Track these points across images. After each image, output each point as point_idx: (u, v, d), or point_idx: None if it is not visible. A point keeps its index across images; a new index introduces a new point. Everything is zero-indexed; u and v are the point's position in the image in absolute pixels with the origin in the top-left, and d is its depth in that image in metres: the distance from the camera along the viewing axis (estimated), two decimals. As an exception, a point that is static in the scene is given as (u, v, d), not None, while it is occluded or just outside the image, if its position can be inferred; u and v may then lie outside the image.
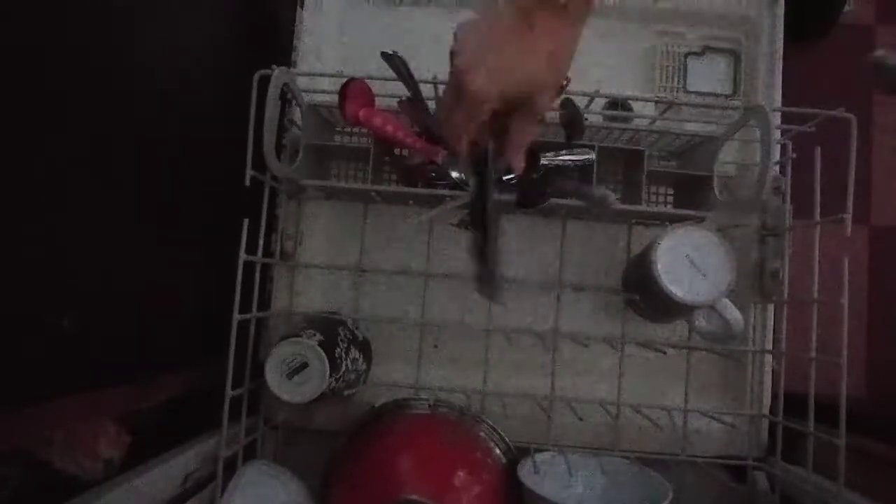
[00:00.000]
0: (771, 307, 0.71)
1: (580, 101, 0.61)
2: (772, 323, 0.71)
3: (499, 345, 0.71)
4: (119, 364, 0.54)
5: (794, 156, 0.69)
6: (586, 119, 0.61)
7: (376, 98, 0.61)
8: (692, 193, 0.68)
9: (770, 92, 0.74)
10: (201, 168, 0.66)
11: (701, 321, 0.64)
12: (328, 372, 0.55)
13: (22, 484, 0.44)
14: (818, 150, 0.63)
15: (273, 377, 0.55)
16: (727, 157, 0.71)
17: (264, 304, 0.70)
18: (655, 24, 0.76)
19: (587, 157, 0.63)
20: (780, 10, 0.75)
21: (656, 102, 0.72)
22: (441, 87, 0.64)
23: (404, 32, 0.76)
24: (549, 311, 0.71)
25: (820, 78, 1.21)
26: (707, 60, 0.76)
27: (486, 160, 0.51)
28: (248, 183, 0.59)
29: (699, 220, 0.64)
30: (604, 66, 0.75)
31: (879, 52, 0.64)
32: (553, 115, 0.61)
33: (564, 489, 0.65)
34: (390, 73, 0.56)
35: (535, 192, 0.61)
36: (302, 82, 0.66)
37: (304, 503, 0.62)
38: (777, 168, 0.70)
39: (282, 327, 0.71)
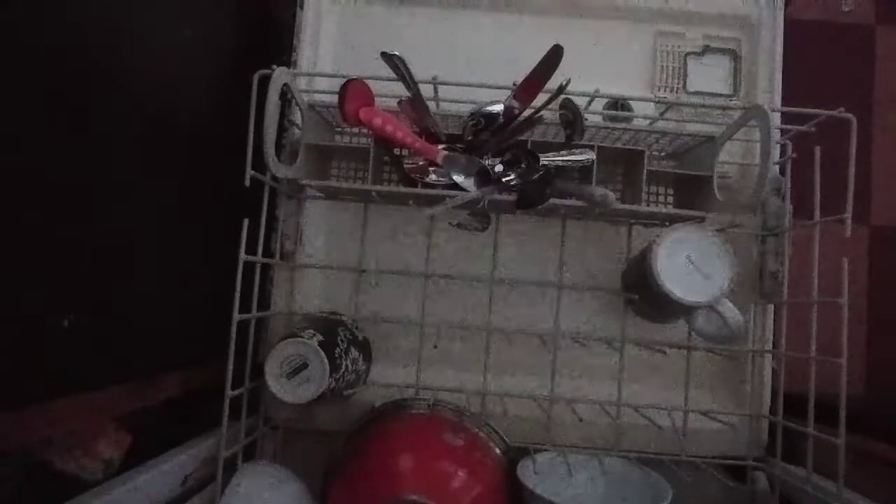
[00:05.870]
0: (771, 307, 0.71)
1: (580, 101, 0.61)
2: (772, 323, 0.71)
3: (499, 345, 0.71)
4: (119, 364, 0.54)
5: (794, 156, 0.69)
6: (586, 119, 0.61)
7: (376, 98, 0.61)
8: (692, 193, 0.68)
9: (770, 92, 0.74)
10: (201, 168, 0.66)
11: (701, 321, 0.64)
12: (328, 372, 0.55)
13: (22, 484, 0.44)
14: (818, 150, 0.63)
15: (273, 377, 0.55)
16: (727, 157, 0.71)
17: (264, 304, 0.70)
18: (655, 24, 0.76)
19: (587, 157, 0.63)
20: (780, 10, 0.75)
21: (656, 102, 0.72)
22: (441, 87, 0.64)
23: (404, 32, 0.76)
24: (549, 311, 0.71)
25: (820, 78, 1.21)
26: (707, 60, 0.76)
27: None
28: (247, 183, 0.59)
29: (699, 220, 0.64)
30: (604, 66, 0.75)
31: None
32: (553, 115, 0.61)
33: (564, 489, 0.65)
34: (390, 73, 0.56)
35: (535, 192, 0.61)
36: (302, 82, 0.66)
37: (304, 503, 0.62)
38: (777, 168, 0.70)
39: (282, 327, 0.71)
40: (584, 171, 0.65)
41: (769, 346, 0.71)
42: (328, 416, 0.70)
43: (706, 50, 0.75)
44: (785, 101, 0.73)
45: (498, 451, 0.67)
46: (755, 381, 0.71)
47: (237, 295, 0.59)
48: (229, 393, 0.59)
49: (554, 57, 0.56)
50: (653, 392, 0.71)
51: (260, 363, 0.57)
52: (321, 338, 0.57)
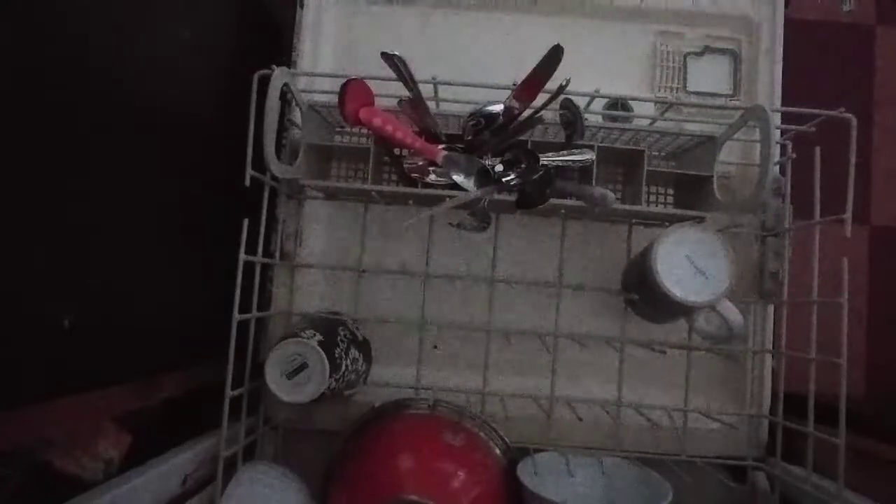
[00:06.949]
0: (771, 307, 0.71)
1: (580, 101, 0.61)
2: (772, 323, 0.71)
3: (499, 345, 0.71)
4: (119, 364, 0.54)
5: (794, 156, 0.69)
6: (586, 119, 0.61)
7: (376, 98, 0.61)
8: (692, 193, 0.68)
9: (770, 92, 0.74)
10: (201, 168, 0.66)
11: (701, 321, 0.64)
12: (328, 372, 0.55)
13: (22, 484, 0.44)
14: (818, 150, 0.63)
15: (273, 377, 0.55)
16: (727, 157, 0.71)
17: (264, 304, 0.70)
18: (655, 24, 0.76)
19: (587, 157, 0.63)
20: (781, 10, 0.75)
21: (656, 102, 0.72)
22: (441, 87, 0.64)
23: (405, 32, 0.76)
24: (549, 311, 0.71)
25: (820, 78, 1.21)
26: (707, 60, 0.76)
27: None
28: (248, 183, 0.59)
29: (699, 220, 0.64)
30: (604, 66, 0.75)
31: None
32: (553, 115, 0.61)
33: (564, 489, 0.65)
34: (390, 73, 0.56)
35: (535, 192, 0.61)
36: (302, 82, 0.66)
37: (304, 503, 0.62)
38: (777, 168, 0.70)
39: (282, 327, 0.71)
40: (584, 171, 0.65)
41: (769, 346, 0.71)
42: (328, 416, 0.70)
43: (706, 50, 0.75)
44: (785, 101, 0.73)
45: (498, 451, 0.67)
46: (755, 381, 0.71)
47: (237, 295, 0.59)
48: (229, 393, 0.59)
49: (554, 57, 0.56)
50: (653, 392, 0.71)
51: (260, 363, 0.57)
52: (321, 338, 0.57)
